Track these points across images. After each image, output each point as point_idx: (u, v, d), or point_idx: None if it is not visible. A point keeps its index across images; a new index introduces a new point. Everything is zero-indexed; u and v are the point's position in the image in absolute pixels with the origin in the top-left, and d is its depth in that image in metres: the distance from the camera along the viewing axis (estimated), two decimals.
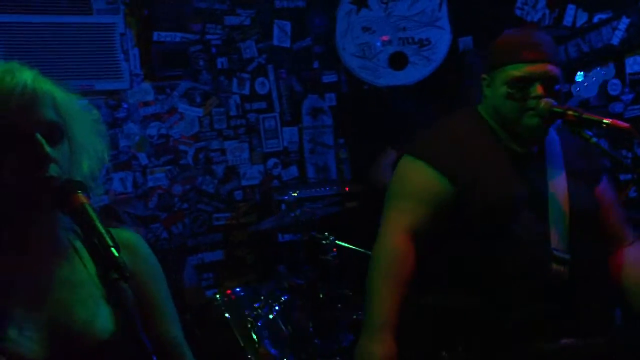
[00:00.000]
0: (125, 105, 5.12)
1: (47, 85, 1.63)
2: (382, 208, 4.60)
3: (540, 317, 2.40)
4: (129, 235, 1.81)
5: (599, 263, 2.57)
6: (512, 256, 2.42)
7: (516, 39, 2.56)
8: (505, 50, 2.53)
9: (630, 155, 4.80)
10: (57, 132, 1.62)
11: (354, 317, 3.94)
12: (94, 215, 1.48)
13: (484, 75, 2.61)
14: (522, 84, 2.47)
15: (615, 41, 4.82)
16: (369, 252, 4.03)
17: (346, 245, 4.08)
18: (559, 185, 2.54)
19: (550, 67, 2.49)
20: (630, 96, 4.81)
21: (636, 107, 4.81)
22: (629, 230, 2.67)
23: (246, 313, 3.79)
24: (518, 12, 5.27)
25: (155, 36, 5.21)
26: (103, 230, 1.44)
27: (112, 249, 1.42)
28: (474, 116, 2.63)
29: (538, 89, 2.45)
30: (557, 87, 2.50)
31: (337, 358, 3.82)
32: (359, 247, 4.12)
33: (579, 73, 4.41)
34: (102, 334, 1.62)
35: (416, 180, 2.52)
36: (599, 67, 4.66)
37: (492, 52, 2.59)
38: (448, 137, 2.57)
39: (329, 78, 5.77)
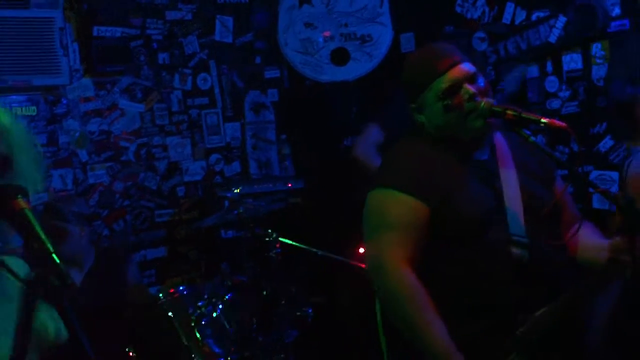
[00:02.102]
0: (65, 101, 5.05)
1: (5, 120, 1.67)
2: (326, 203, 4.59)
3: (510, 301, 2.48)
4: None
5: (555, 246, 2.64)
6: (484, 259, 2.49)
7: (424, 59, 2.64)
8: (421, 72, 2.60)
9: (567, 150, 4.90)
10: (6, 164, 1.70)
11: (298, 313, 3.96)
12: (34, 220, 1.47)
13: (411, 105, 2.65)
14: (452, 91, 2.53)
15: (552, 39, 4.91)
16: (313, 249, 4.09)
17: (289, 242, 4.09)
18: (511, 182, 2.61)
19: (466, 66, 2.57)
20: (567, 93, 4.91)
21: (573, 103, 4.90)
22: (579, 216, 2.77)
23: (190, 312, 3.78)
24: (458, 9, 5.33)
25: (95, 31, 5.15)
26: (44, 237, 1.43)
27: (54, 255, 1.41)
28: (420, 137, 2.68)
29: (468, 89, 2.52)
30: (480, 81, 2.56)
31: (282, 355, 3.84)
32: (302, 244, 4.14)
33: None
34: (58, 338, 1.62)
35: (395, 210, 2.54)
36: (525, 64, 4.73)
37: (409, 81, 2.65)
38: (410, 160, 2.61)
39: (271, 74, 5.77)
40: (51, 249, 1.42)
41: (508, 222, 2.55)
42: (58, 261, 1.40)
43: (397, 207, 2.54)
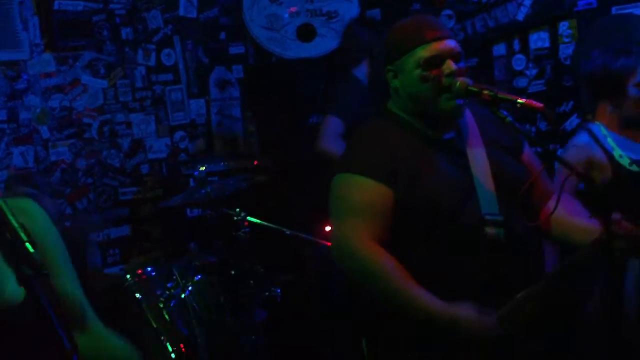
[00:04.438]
0: (25, 77, 4.94)
1: None
2: (293, 181, 4.55)
3: (488, 282, 2.46)
4: (23, 202, 1.77)
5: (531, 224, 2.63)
6: (458, 241, 2.48)
7: (413, 24, 2.61)
8: (407, 36, 2.57)
9: (533, 129, 4.92)
10: None
11: (267, 293, 3.93)
12: (6, 209, 1.41)
13: (388, 67, 2.61)
14: (434, 63, 2.51)
15: (520, 17, 4.91)
16: (282, 228, 4.06)
17: (257, 221, 4.05)
18: (479, 159, 2.59)
19: (454, 43, 2.57)
20: (534, 71, 4.92)
21: (540, 82, 4.92)
22: (554, 188, 2.76)
23: (158, 293, 3.73)
24: None
25: (56, 4, 5.05)
26: (17, 225, 1.38)
27: (27, 244, 1.36)
28: (389, 116, 2.67)
29: (450, 65, 2.50)
30: (462, 63, 2.54)
31: (252, 336, 3.81)
32: (270, 222, 4.10)
33: None
34: (13, 299, 1.55)
35: (359, 195, 2.52)
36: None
37: (392, 42, 2.62)
38: (375, 144, 2.59)
39: (236, 50, 5.67)
40: (24, 237, 1.36)
41: (480, 201, 2.54)
42: (32, 250, 1.35)
43: (361, 192, 2.52)
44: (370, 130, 2.68)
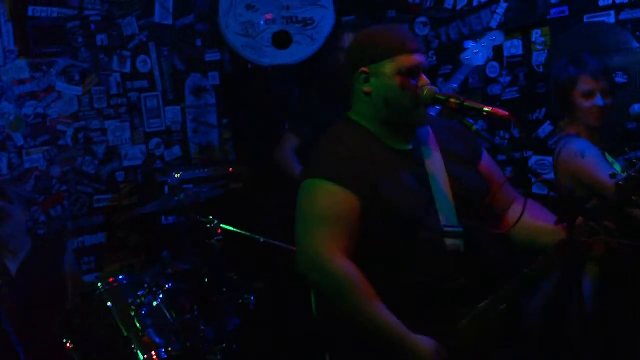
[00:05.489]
0: None
1: None
2: (267, 189, 4.57)
3: (450, 293, 2.48)
4: None
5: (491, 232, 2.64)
6: (418, 253, 2.49)
7: (395, 31, 2.65)
8: (389, 41, 2.57)
9: (507, 136, 4.95)
10: None
11: (240, 301, 3.92)
12: None
13: (363, 69, 2.60)
14: (412, 73, 2.54)
15: (493, 24, 4.94)
16: (255, 235, 4.06)
17: (231, 228, 4.05)
18: (437, 170, 2.61)
19: (424, 58, 2.60)
20: (508, 78, 4.95)
21: (513, 89, 4.95)
22: (516, 195, 2.80)
23: (129, 301, 3.72)
24: None
25: (30, 10, 5.01)
26: None
27: None
28: (351, 125, 2.67)
29: (424, 78, 2.56)
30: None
31: (224, 344, 3.81)
32: (243, 230, 4.10)
33: (467, 42, 4.45)
34: None
35: (326, 201, 2.51)
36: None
37: (370, 45, 2.61)
38: (340, 151, 2.58)
39: (212, 56, 5.67)
40: None
41: (438, 213, 2.55)
42: None
43: (328, 198, 2.51)
44: (335, 137, 2.68)
